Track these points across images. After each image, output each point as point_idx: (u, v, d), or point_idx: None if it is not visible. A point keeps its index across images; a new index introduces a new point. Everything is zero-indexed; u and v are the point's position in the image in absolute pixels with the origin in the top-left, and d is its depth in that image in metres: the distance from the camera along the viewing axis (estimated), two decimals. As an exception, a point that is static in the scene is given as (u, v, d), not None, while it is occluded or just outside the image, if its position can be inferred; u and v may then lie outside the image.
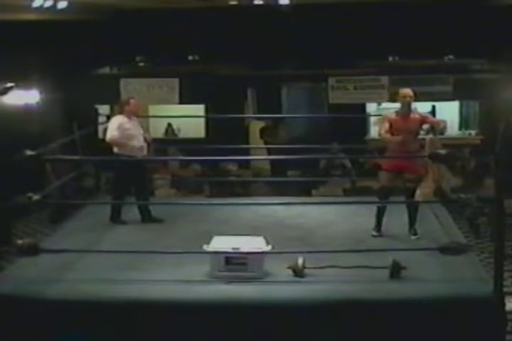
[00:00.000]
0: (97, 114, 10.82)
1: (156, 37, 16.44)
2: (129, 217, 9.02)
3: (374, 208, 9.11)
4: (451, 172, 9.56)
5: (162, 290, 6.74)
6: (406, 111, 8.08)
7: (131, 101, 8.86)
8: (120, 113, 8.90)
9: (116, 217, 8.86)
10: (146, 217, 8.89)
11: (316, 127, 16.50)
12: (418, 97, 8.36)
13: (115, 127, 8.72)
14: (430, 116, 8.41)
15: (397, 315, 6.47)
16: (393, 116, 8.13)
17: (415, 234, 8.18)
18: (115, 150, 8.83)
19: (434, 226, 8.65)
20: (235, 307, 6.52)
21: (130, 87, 15.97)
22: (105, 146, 8.89)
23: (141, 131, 8.94)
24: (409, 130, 8.02)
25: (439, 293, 6.59)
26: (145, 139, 8.94)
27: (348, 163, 14.82)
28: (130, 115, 8.80)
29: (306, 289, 6.74)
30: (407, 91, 8.12)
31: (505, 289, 6.61)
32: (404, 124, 8.03)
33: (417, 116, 8.11)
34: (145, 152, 8.89)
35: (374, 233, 8.29)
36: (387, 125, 8.06)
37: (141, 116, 13.46)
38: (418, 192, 9.59)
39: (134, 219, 8.90)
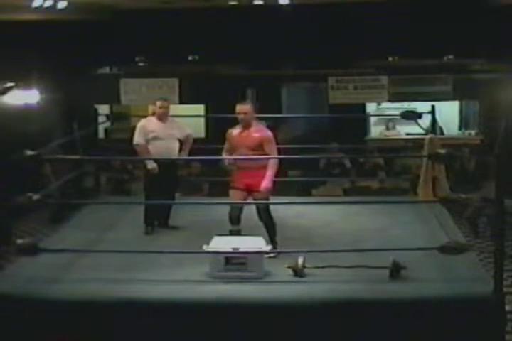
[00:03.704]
0: (97, 114, 10.79)
1: (156, 37, 16.44)
2: (130, 217, 9.03)
3: (374, 208, 9.14)
4: (446, 176, 9.55)
5: (162, 290, 6.74)
6: (244, 127, 7.78)
7: (157, 102, 8.72)
8: (152, 114, 8.89)
9: (150, 221, 8.67)
10: (163, 222, 8.76)
11: (316, 127, 16.50)
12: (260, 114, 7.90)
13: (137, 132, 8.62)
14: (270, 142, 7.73)
15: (397, 315, 6.47)
16: (235, 131, 7.85)
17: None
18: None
19: (434, 226, 8.65)
20: (235, 307, 6.52)
21: (130, 87, 15.96)
22: (106, 146, 8.87)
23: (173, 132, 8.69)
24: (247, 146, 7.72)
25: (439, 293, 6.59)
26: (180, 140, 8.75)
27: (347, 163, 14.82)
28: (161, 116, 8.67)
29: (306, 289, 6.74)
30: (240, 107, 7.78)
31: (505, 289, 6.61)
32: (242, 140, 7.76)
33: (255, 133, 7.74)
34: (174, 152, 8.67)
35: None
36: (226, 145, 7.89)
37: (140, 115, 13.56)
38: (419, 192, 9.63)
39: (133, 220, 8.89)
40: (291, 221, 8.91)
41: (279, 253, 7.46)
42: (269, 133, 7.82)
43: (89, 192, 11.59)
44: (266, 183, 7.69)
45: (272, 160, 7.72)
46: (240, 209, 7.82)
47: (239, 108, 7.80)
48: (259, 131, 7.79)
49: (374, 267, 6.98)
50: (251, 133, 7.77)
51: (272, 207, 8.76)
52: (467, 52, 15.93)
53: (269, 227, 7.81)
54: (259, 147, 7.72)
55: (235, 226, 7.82)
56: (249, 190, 7.81)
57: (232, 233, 7.72)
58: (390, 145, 16.21)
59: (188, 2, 15.51)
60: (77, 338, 6.52)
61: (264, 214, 7.80)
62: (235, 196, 7.87)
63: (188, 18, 16.32)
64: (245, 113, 7.75)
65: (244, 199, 7.85)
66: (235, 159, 7.80)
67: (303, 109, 17.28)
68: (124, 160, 13.53)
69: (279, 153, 7.97)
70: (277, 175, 7.92)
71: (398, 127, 16.96)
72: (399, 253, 7.06)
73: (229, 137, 7.91)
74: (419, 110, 10.79)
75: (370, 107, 17.08)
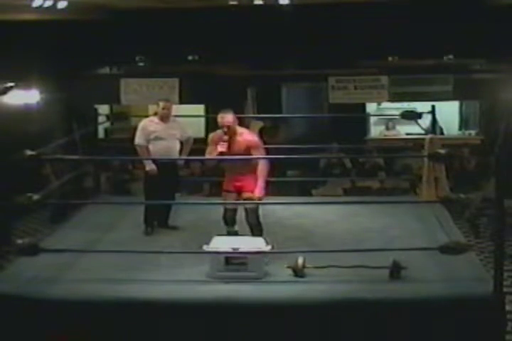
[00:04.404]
0: (97, 114, 10.79)
1: (156, 37, 16.43)
2: (130, 217, 9.02)
3: (374, 208, 9.14)
4: (447, 175, 9.56)
5: (162, 290, 6.74)
6: (229, 134, 7.66)
7: (160, 103, 8.72)
8: (154, 114, 8.91)
9: (149, 221, 8.66)
10: (163, 222, 8.76)
11: (316, 127, 16.49)
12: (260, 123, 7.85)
13: (138, 133, 8.65)
14: (258, 148, 7.70)
15: (397, 315, 6.48)
16: (219, 138, 7.73)
17: None
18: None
19: (434, 226, 8.65)
20: (235, 307, 6.52)
21: (130, 87, 15.96)
22: (106, 146, 8.88)
23: (174, 132, 8.68)
24: (234, 154, 7.64)
25: (439, 293, 6.59)
26: (181, 141, 8.73)
27: (348, 163, 14.82)
28: (163, 117, 8.68)
29: (306, 289, 6.74)
30: (222, 120, 7.65)
31: (505, 289, 6.61)
32: (228, 148, 7.65)
33: (242, 139, 7.68)
34: (175, 153, 8.64)
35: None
36: (209, 149, 7.80)
37: (140, 115, 13.56)
38: (420, 192, 9.64)
39: (133, 220, 8.89)
40: (291, 221, 8.92)
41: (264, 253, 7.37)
42: (255, 138, 7.80)
43: (89, 192, 11.57)
44: (258, 192, 7.62)
45: (261, 167, 7.65)
46: (235, 211, 7.84)
47: (221, 120, 7.69)
48: (244, 136, 7.74)
49: (374, 267, 6.98)
50: (236, 139, 7.71)
51: (271, 207, 8.78)
52: (467, 52, 15.92)
53: (255, 229, 7.76)
54: (246, 152, 7.66)
55: (231, 227, 7.83)
56: (240, 192, 7.79)
57: (229, 234, 7.73)
58: (390, 145, 16.20)
59: (188, 2, 15.50)
60: (77, 338, 6.53)
61: (252, 214, 7.76)
62: (228, 199, 7.86)
63: (188, 18, 16.31)
64: (228, 125, 7.66)
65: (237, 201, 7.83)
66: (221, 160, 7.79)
67: (303, 108, 17.26)
68: (124, 160, 13.53)
69: (268, 154, 7.95)
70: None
71: (398, 127, 16.96)
72: (399, 253, 7.07)
73: (212, 142, 7.81)
74: (419, 110, 10.79)
75: (370, 107, 17.07)
